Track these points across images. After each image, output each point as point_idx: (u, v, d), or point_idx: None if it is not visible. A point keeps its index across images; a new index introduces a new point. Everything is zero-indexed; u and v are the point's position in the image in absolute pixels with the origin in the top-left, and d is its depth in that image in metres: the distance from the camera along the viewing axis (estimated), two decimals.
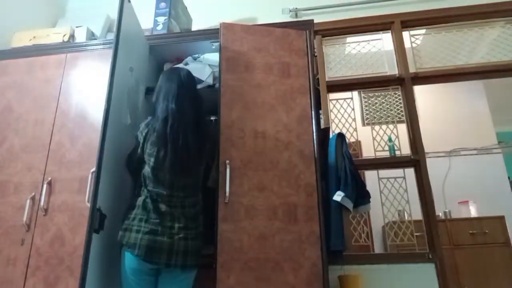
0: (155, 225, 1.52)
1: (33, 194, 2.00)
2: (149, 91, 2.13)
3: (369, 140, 2.45)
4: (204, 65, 2.16)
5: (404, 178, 2.31)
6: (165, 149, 1.58)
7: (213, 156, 1.79)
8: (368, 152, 2.63)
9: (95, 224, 1.44)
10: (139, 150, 1.66)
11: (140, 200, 1.58)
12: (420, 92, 3.36)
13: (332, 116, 2.48)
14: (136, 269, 1.50)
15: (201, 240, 1.62)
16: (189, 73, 1.83)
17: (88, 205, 1.61)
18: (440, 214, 3.39)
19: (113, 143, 1.65)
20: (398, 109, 2.51)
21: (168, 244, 1.51)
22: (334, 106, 2.52)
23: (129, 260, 1.51)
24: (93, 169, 1.62)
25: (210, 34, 2.25)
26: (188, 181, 1.65)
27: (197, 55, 2.24)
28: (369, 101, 2.61)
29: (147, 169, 1.62)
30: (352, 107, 2.52)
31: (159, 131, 1.61)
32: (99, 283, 1.49)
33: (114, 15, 2.76)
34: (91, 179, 1.54)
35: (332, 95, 2.52)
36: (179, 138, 1.60)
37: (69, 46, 2.37)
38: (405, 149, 2.36)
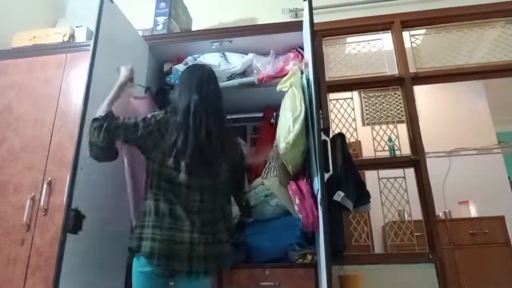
0: (171, 232, 1.43)
1: (33, 194, 2.00)
2: (148, 90, 2.14)
3: (369, 140, 2.44)
4: None
5: (404, 178, 2.31)
6: (186, 138, 1.46)
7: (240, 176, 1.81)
8: (368, 152, 2.63)
9: (70, 225, 1.44)
10: (132, 139, 1.50)
11: (151, 204, 1.47)
12: (420, 92, 3.36)
13: (332, 116, 2.47)
14: (154, 275, 1.42)
15: (221, 247, 1.52)
16: (211, 69, 1.71)
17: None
18: (440, 214, 3.39)
19: None
20: (398, 109, 2.51)
21: (188, 251, 1.42)
22: (334, 106, 2.52)
23: (146, 267, 1.42)
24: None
25: (210, 34, 2.26)
26: (207, 181, 1.53)
27: (197, 55, 2.24)
28: (369, 101, 2.61)
29: (159, 169, 1.49)
30: (352, 107, 2.52)
31: (180, 121, 1.49)
32: (74, 284, 1.48)
33: None
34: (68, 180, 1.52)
35: (332, 95, 2.52)
36: (201, 126, 1.48)
37: (69, 46, 2.37)
38: (405, 149, 2.36)
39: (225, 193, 1.63)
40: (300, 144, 1.54)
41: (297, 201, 1.51)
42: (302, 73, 1.74)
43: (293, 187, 1.57)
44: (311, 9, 1.62)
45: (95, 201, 1.63)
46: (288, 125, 1.53)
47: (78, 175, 1.51)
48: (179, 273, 1.45)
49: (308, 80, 1.67)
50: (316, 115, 1.48)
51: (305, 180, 1.61)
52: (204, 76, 1.61)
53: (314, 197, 1.54)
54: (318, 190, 1.43)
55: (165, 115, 1.54)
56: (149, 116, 1.53)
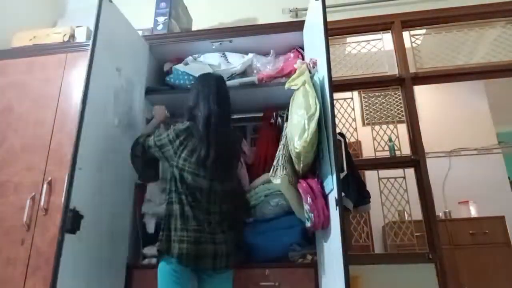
0: (196, 233, 1.55)
1: (33, 194, 2.00)
2: (149, 91, 2.15)
3: (369, 140, 2.45)
4: (204, 65, 2.16)
5: (404, 178, 2.32)
6: (208, 147, 1.60)
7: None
8: (368, 152, 2.63)
9: (68, 225, 1.44)
10: (162, 152, 1.66)
11: (177, 208, 1.58)
12: (420, 92, 3.35)
13: None
14: (181, 275, 1.52)
15: (231, 245, 1.67)
16: (222, 77, 1.89)
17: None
18: (440, 214, 3.39)
19: (96, 143, 1.66)
20: (398, 109, 2.51)
21: (212, 250, 1.56)
22: (334, 106, 2.52)
23: (173, 266, 1.52)
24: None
25: (210, 34, 2.26)
26: (226, 186, 1.67)
27: (197, 55, 2.24)
28: (369, 101, 2.61)
29: (181, 175, 1.61)
30: (352, 107, 2.52)
31: (202, 130, 1.63)
32: (74, 284, 1.48)
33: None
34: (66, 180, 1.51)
35: None
36: (220, 135, 1.64)
37: (69, 46, 2.37)
38: (405, 149, 2.36)
39: (237, 195, 1.78)
40: (314, 143, 1.53)
41: (309, 200, 1.49)
42: (310, 72, 1.72)
43: (304, 185, 1.55)
44: (324, 8, 1.60)
45: (94, 200, 1.62)
46: (303, 123, 1.50)
47: (76, 175, 1.51)
48: (205, 271, 1.58)
49: (319, 79, 1.65)
50: (331, 114, 1.47)
51: (316, 179, 1.60)
52: (218, 85, 1.78)
53: (324, 196, 1.54)
54: (332, 190, 1.43)
55: (185, 125, 1.67)
56: (170, 129, 1.69)
